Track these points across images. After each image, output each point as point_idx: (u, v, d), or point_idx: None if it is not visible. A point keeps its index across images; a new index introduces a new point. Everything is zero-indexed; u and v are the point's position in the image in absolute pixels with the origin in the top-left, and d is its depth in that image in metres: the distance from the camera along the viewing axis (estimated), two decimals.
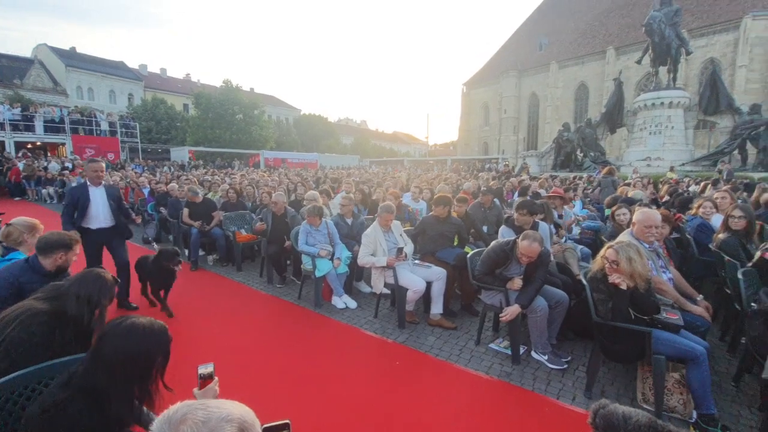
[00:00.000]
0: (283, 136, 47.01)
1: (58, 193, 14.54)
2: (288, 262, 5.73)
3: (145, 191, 9.72)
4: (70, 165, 17.54)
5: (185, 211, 6.40)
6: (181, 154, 29.97)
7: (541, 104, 45.91)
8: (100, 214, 4.32)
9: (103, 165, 4.40)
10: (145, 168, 20.62)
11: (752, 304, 2.82)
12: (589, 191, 10.14)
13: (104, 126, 23.88)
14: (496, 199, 6.65)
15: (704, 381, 2.49)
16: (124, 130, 25.79)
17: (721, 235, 3.88)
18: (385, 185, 9.12)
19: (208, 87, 46.20)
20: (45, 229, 3.02)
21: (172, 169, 21.72)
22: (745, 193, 8.17)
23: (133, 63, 51.93)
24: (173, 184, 8.37)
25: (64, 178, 14.58)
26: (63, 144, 21.64)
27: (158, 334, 1.56)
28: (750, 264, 3.27)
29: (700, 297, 3.20)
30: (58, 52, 42.57)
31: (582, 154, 22.90)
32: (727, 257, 3.58)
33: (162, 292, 4.46)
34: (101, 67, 44.98)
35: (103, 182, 4.42)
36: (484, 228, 5.55)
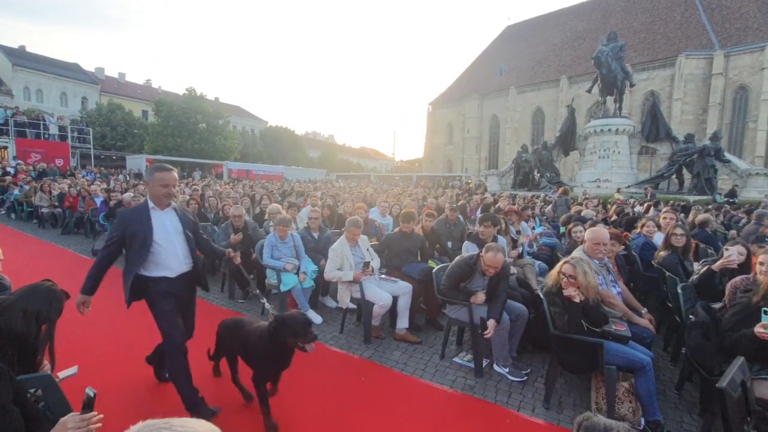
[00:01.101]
0: (248, 148, 46.03)
1: None
2: (251, 276, 5.58)
3: (98, 200, 9.19)
4: (12, 170, 16.24)
5: None
6: (137, 162, 28.52)
7: (502, 126, 48.06)
8: (173, 254, 2.82)
9: (176, 176, 2.82)
10: (98, 176, 19.43)
11: (690, 316, 3.07)
12: (545, 209, 10.66)
13: (53, 130, 22.37)
14: (460, 216, 6.85)
15: (650, 389, 2.68)
16: (75, 134, 24.30)
17: (662, 253, 4.22)
18: (349, 198, 9.15)
19: (170, 94, 44.64)
20: None
21: (128, 178, 20.63)
22: (682, 215, 8.91)
23: (89, 66, 49.09)
24: (128, 194, 7.96)
25: (3, 185, 13.46)
26: (5, 147, 20.04)
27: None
28: (696, 276, 3.56)
29: (644, 310, 3.45)
30: (5, 50, 39.73)
31: (539, 175, 24.08)
32: (668, 273, 3.90)
33: (270, 384, 2.86)
34: (53, 67, 42.38)
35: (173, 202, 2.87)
36: (449, 243, 5.70)
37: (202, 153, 33.02)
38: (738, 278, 3.09)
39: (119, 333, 4.15)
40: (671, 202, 13.13)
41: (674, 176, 20.34)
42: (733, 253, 3.44)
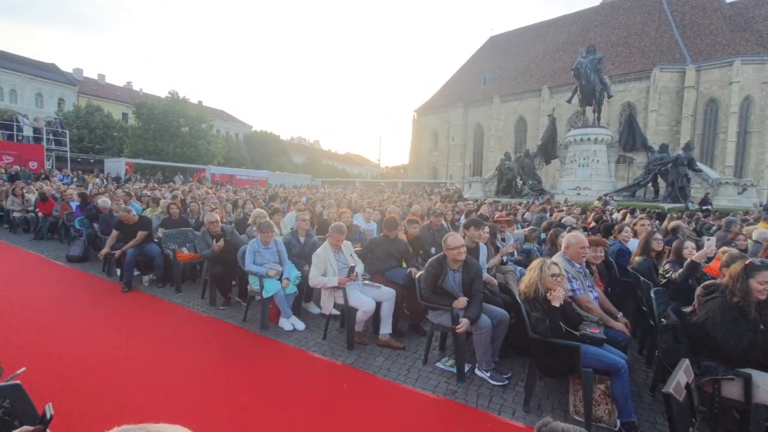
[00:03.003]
0: (232, 152, 45.51)
1: None
2: (233, 282, 5.51)
3: (73, 205, 8.92)
4: None
5: (114, 233, 5.98)
6: (116, 165, 27.81)
7: (485, 134, 48.84)
8: None
9: None
10: (74, 179, 18.86)
11: (662, 320, 3.18)
12: (527, 216, 10.85)
13: (27, 132, 21.63)
14: (444, 222, 6.92)
15: (625, 391, 2.76)
16: (51, 137, 23.56)
17: (637, 258, 4.37)
18: (328, 203, 9.12)
19: (151, 97, 43.83)
20: None
21: (105, 182, 20.07)
22: (657, 221, 9.21)
23: (67, 66, 47.86)
24: (104, 199, 7.68)
25: None
26: None
27: None
28: (677, 275, 3.67)
29: (620, 314, 3.55)
30: None
31: (521, 182, 24.54)
32: (642, 278, 4.03)
33: None
34: (28, 67, 41.24)
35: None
36: (432, 249, 5.74)
37: (184, 157, 32.45)
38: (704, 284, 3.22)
39: (89, 340, 4.03)
40: (647, 209, 13.55)
41: (650, 185, 21.02)
42: (712, 244, 3.62)
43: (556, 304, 2.86)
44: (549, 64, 45.48)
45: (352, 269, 4.11)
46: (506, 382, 3.41)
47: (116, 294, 5.56)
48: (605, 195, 18.78)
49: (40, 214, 9.50)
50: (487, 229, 4.84)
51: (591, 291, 3.55)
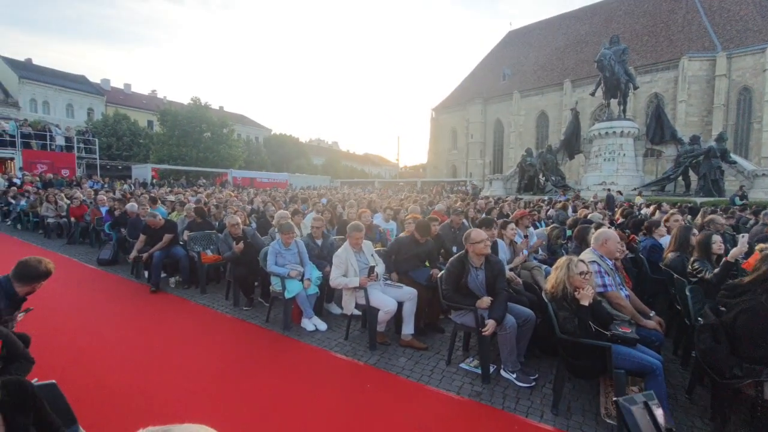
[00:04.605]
0: (253, 156, 46.35)
1: (3, 210, 13.55)
2: (256, 283, 5.58)
3: (103, 210, 9.25)
4: (18, 181, 16.45)
5: (141, 237, 6.15)
6: (143, 171, 28.79)
7: (506, 130, 48.03)
8: None
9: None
10: (104, 185, 19.61)
11: (699, 318, 3.02)
12: (551, 213, 10.58)
13: (60, 141, 22.63)
14: (464, 220, 6.83)
15: (661, 394, 2.62)
16: (82, 145, 24.58)
17: (670, 254, 4.17)
18: (349, 202, 9.15)
19: (175, 104, 45.08)
20: None
21: (132, 188, 20.79)
22: (689, 216, 8.82)
23: (95, 77, 49.85)
24: (131, 204, 7.97)
25: (9, 197, 13.60)
26: (11, 159, 20.31)
27: None
28: (711, 275, 3.48)
29: (652, 313, 3.40)
30: (12, 63, 40.52)
31: (544, 179, 24.01)
32: (676, 275, 3.84)
33: None
34: (59, 80, 43.11)
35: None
36: (454, 248, 5.67)
37: (206, 162, 33.28)
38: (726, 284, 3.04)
39: (118, 341, 4.15)
40: (678, 204, 13.02)
41: (680, 178, 20.20)
42: (744, 241, 3.43)
43: (585, 303, 2.76)
44: (571, 57, 44.31)
45: (372, 269, 4.08)
46: (533, 383, 3.32)
47: (144, 295, 5.72)
48: (608, 189, 18.11)
49: (72, 219, 9.88)
50: (512, 225, 4.74)
51: (622, 289, 3.41)
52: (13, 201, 13.02)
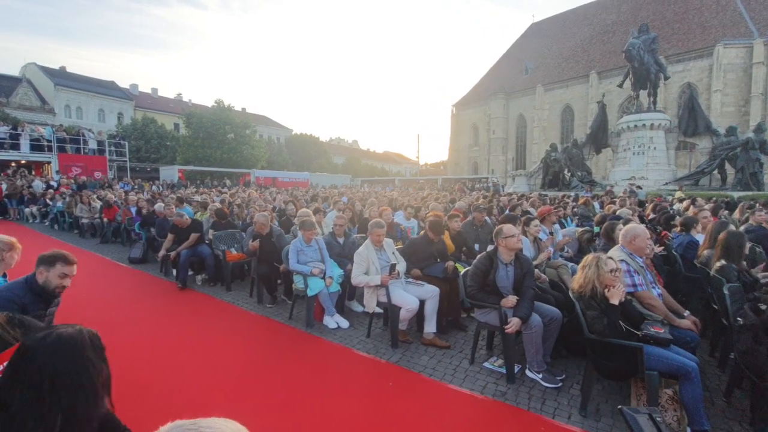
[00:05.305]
0: (275, 156, 47.10)
1: (41, 212, 14.26)
2: (279, 281, 5.66)
3: (133, 210, 9.59)
4: (54, 184, 17.25)
5: (169, 236, 6.33)
6: (170, 173, 29.76)
7: (529, 125, 47.02)
8: None
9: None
10: (133, 187, 20.37)
11: (738, 318, 2.87)
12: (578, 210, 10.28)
13: (92, 144, 23.62)
14: (487, 218, 6.72)
15: (697, 397, 2.50)
16: (113, 149, 25.58)
17: (705, 252, 3.96)
18: (370, 201, 9.18)
19: (199, 107, 46.41)
20: (25, 249, 2.91)
21: (161, 188, 21.51)
22: (726, 211, 8.40)
23: (124, 83, 51.85)
24: (159, 204, 8.28)
25: (47, 199, 14.30)
26: (48, 162, 21.33)
27: (87, 344, 1.28)
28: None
29: (686, 312, 3.24)
30: (48, 71, 42.55)
31: (569, 174, 23.39)
32: (712, 273, 3.65)
33: None
34: (91, 86, 44.99)
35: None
36: (476, 246, 5.59)
37: (230, 162, 34.06)
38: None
39: (148, 336, 4.29)
40: (714, 198, 12.43)
41: (716, 171, 19.27)
42: None
43: (616, 301, 2.65)
44: (597, 48, 42.88)
45: (393, 267, 4.07)
46: (560, 384, 3.23)
47: (172, 293, 5.90)
48: (630, 184, 17.39)
49: (104, 219, 10.30)
50: (536, 222, 4.64)
51: (654, 287, 3.27)
52: (50, 203, 13.69)
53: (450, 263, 4.47)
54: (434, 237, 4.65)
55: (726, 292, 3.18)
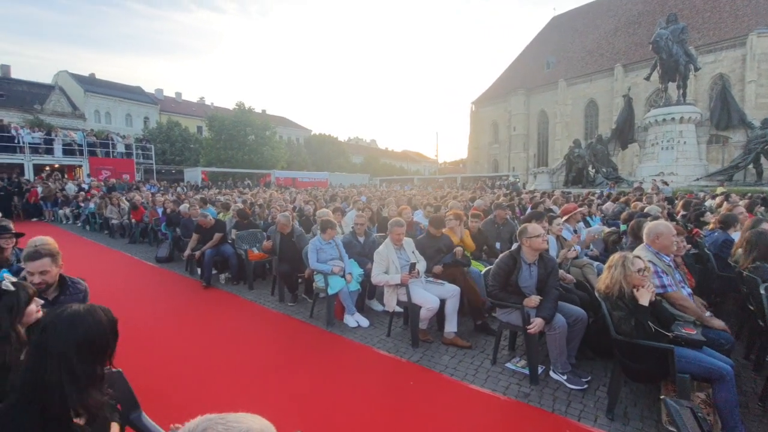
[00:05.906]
0: (294, 156, 47.67)
1: (74, 213, 14.89)
2: (300, 280, 5.74)
3: (159, 211, 9.89)
4: (86, 186, 17.98)
5: (194, 236, 6.50)
6: (194, 174, 30.56)
7: (551, 121, 46.01)
8: None
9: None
10: (159, 188, 21.04)
11: None
12: (603, 206, 10.00)
13: (120, 148, 24.52)
14: (508, 216, 6.61)
15: (731, 401, 2.40)
16: (140, 152, 26.46)
17: (740, 250, 3.78)
18: (388, 200, 9.19)
19: (221, 110, 47.42)
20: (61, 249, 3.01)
21: (185, 190, 22.14)
22: (762, 208, 8.00)
23: (150, 88, 53.49)
24: (184, 205, 8.53)
25: (79, 201, 14.92)
26: (80, 166, 22.23)
27: (103, 315, 1.51)
28: None
29: (708, 313, 3.08)
30: (78, 78, 44.29)
31: (594, 171, 22.76)
32: (745, 273, 3.48)
33: None
34: (119, 91, 46.59)
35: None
36: (497, 245, 5.51)
37: (251, 163, 34.70)
38: None
39: (175, 333, 4.41)
40: (749, 194, 11.86)
41: (751, 166, 18.37)
42: None
43: (645, 302, 2.57)
44: (622, 40, 41.52)
45: (413, 266, 4.06)
46: (585, 386, 3.15)
47: (197, 291, 6.06)
48: (654, 180, 16.68)
49: (133, 220, 10.67)
50: (559, 220, 4.57)
51: (683, 287, 3.15)
52: (82, 204, 14.28)
53: (458, 249, 4.60)
54: (436, 232, 4.65)
55: (763, 292, 3.03)
